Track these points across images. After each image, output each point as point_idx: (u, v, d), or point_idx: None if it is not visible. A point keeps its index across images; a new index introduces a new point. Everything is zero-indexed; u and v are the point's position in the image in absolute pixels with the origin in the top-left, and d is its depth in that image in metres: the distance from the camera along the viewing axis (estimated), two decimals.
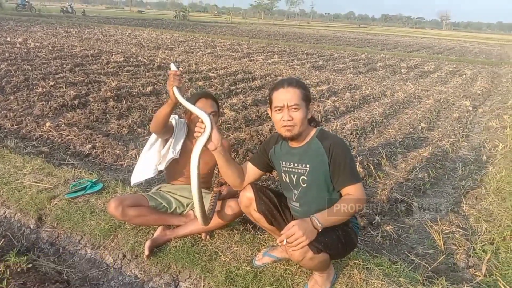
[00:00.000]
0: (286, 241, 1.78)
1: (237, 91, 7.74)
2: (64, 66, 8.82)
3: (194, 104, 2.14)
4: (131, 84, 7.50)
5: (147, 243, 2.40)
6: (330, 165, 1.97)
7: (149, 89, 7.15)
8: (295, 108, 1.95)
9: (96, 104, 5.95)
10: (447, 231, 3.12)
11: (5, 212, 2.99)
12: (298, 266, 2.25)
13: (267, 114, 2.53)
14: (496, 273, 2.51)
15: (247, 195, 2.15)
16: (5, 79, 7.03)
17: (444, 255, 2.76)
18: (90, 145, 4.38)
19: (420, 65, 14.88)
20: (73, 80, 7.42)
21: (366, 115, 6.67)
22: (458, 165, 4.66)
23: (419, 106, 7.81)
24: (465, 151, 5.29)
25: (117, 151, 4.28)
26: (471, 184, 4.02)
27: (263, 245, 2.50)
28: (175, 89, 2.08)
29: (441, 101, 8.27)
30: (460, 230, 3.12)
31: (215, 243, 2.50)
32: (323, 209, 1.91)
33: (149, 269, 2.39)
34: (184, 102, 2.06)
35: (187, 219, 2.61)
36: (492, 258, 2.69)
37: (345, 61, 14.29)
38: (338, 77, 10.49)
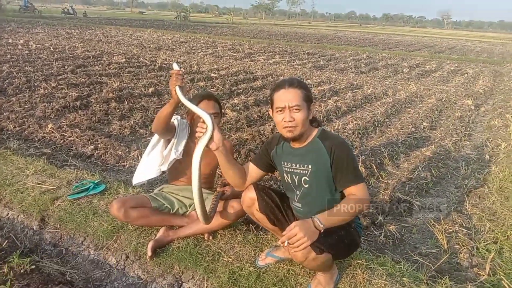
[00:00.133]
0: (288, 243, 1.78)
1: (239, 91, 7.74)
2: (66, 67, 8.83)
3: (196, 105, 2.14)
4: (133, 85, 7.50)
5: (150, 244, 2.40)
6: (332, 166, 1.97)
7: (150, 90, 7.16)
8: (296, 109, 1.94)
9: (98, 105, 5.96)
10: (450, 230, 3.11)
11: (8, 213, 3.00)
12: (301, 266, 2.25)
13: (269, 114, 2.53)
14: (500, 272, 2.50)
15: (249, 195, 2.15)
16: (7, 81, 7.05)
17: (448, 255, 2.75)
18: (92, 146, 4.39)
19: (422, 64, 14.85)
20: (75, 82, 7.44)
21: (368, 114, 6.66)
22: (461, 164, 4.64)
23: (421, 105, 7.79)
24: (468, 150, 5.28)
25: (119, 152, 4.29)
26: (474, 183, 4.00)
27: (266, 246, 2.50)
28: (177, 88, 2.08)
29: (443, 100, 8.25)
30: (463, 229, 3.11)
31: (218, 244, 2.50)
32: (326, 209, 1.90)
33: (152, 269, 2.39)
34: (186, 102, 2.06)
35: (189, 219, 2.62)
36: (496, 257, 2.68)
37: (346, 60, 14.28)
38: (339, 77, 10.48)
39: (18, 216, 2.95)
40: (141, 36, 19.10)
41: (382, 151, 4.73)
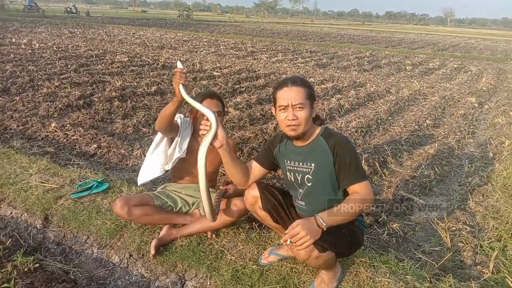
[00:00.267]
0: (290, 241, 1.77)
1: (241, 89, 7.73)
2: (69, 66, 8.86)
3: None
4: (136, 83, 7.51)
5: (153, 242, 2.40)
6: (336, 164, 1.96)
7: (153, 88, 7.17)
8: (299, 107, 1.94)
9: (101, 104, 5.98)
10: (454, 228, 3.10)
11: (11, 212, 3.02)
12: (304, 264, 2.25)
13: (272, 112, 2.53)
14: (504, 270, 2.49)
15: (252, 193, 2.15)
16: (10, 80, 7.07)
17: (451, 253, 2.74)
18: (95, 145, 4.40)
19: (425, 62, 14.79)
20: (78, 81, 7.45)
21: (371, 112, 6.65)
22: (464, 162, 4.63)
23: (424, 103, 7.77)
24: (471, 148, 5.26)
25: (122, 151, 4.30)
26: (477, 181, 3.99)
27: (269, 244, 2.50)
28: (181, 86, 2.09)
29: (446, 98, 8.22)
30: (466, 227, 3.10)
31: (221, 242, 2.50)
32: (329, 207, 1.90)
33: (155, 268, 2.39)
34: (189, 99, 2.07)
35: (192, 218, 2.62)
36: (500, 255, 2.67)
37: (349, 58, 14.24)
38: (342, 75, 10.45)
39: (21, 215, 2.96)
40: (143, 35, 19.12)
41: (385, 149, 4.72)
